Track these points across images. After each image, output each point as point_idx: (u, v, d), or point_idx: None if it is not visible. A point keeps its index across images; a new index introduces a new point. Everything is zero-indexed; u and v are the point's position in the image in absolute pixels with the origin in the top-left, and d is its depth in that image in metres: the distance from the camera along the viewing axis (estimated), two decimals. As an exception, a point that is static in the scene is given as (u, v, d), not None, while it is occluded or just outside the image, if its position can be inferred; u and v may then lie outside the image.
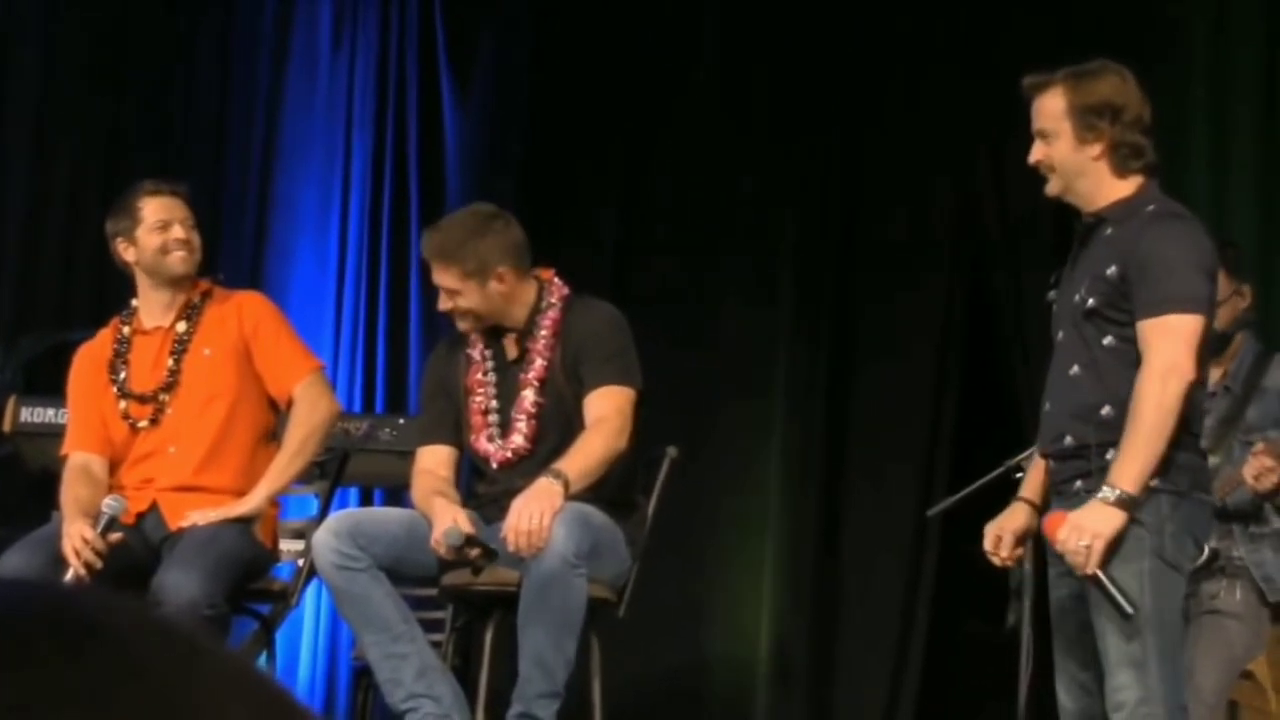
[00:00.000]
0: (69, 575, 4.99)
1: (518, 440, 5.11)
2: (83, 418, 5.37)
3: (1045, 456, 4.40)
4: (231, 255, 7.79)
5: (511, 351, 5.18)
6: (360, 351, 7.62)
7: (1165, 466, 4.12)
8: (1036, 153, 4.32)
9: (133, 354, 5.33)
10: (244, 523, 5.22)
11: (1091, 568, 4.08)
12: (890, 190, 7.18)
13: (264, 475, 5.30)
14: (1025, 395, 6.52)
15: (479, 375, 5.19)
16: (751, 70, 7.33)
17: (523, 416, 5.12)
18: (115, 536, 5.08)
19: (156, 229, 5.27)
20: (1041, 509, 4.40)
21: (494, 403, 5.16)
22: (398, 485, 6.26)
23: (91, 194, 7.61)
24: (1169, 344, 4.10)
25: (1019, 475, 4.74)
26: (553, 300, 5.18)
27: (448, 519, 4.88)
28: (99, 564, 5.02)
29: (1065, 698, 4.33)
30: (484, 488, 5.19)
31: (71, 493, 5.22)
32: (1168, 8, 6.88)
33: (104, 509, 5.10)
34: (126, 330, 5.35)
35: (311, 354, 5.49)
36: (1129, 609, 4.06)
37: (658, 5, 7.47)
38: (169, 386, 5.26)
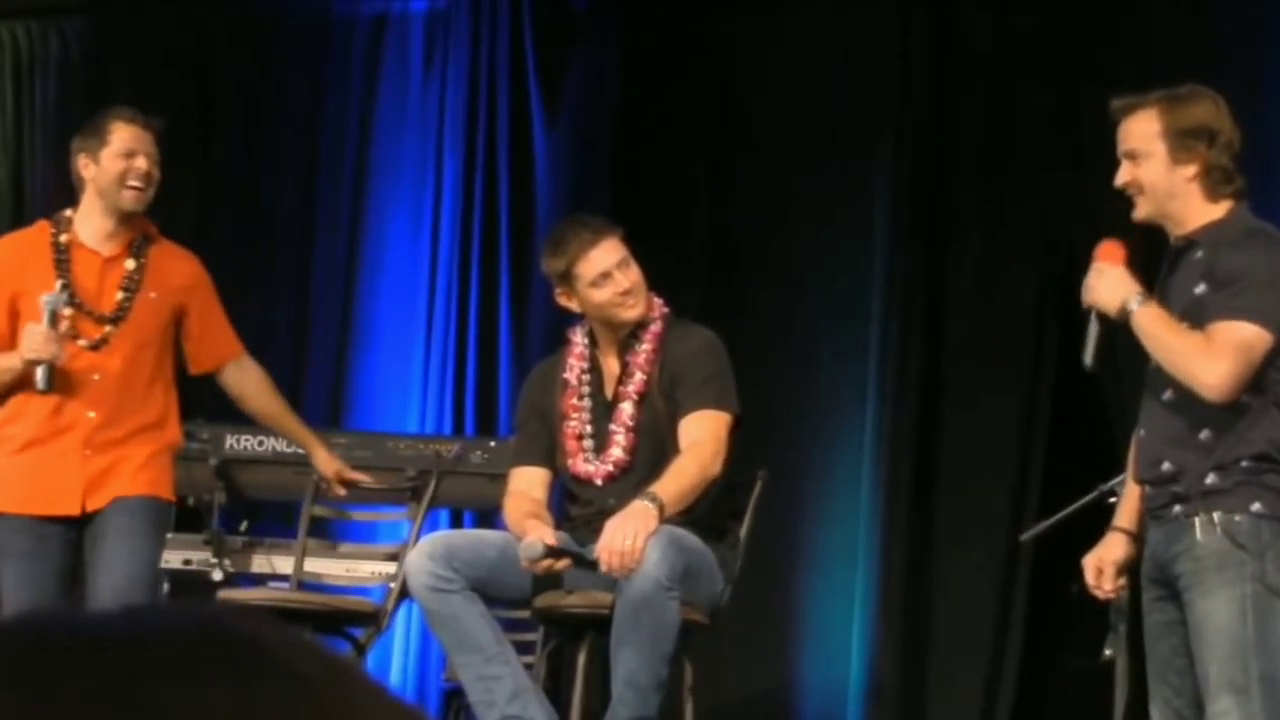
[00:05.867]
0: (39, 377, 5.04)
1: (616, 453, 5.13)
2: None
3: (1141, 483, 4.37)
4: (324, 275, 7.85)
5: (612, 366, 5.20)
6: (450, 374, 7.64)
7: (1267, 492, 4.10)
8: (1124, 174, 4.31)
9: (75, 266, 5.25)
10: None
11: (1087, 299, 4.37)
12: (981, 209, 7.15)
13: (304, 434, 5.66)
14: (1117, 418, 6.48)
15: (574, 400, 5.21)
16: (835, 93, 7.32)
17: (621, 430, 5.14)
18: (64, 326, 5.10)
19: (122, 155, 5.22)
20: (1138, 537, 4.38)
21: (589, 427, 5.18)
22: (489, 508, 6.28)
23: (181, 227, 7.63)
24: (1229, 348, 4.09)
25: (1112, 500, 4.71)
26: (654, 315, 5.22)
27: (533, 537, 4.90)
28: (61, 354, 5.07)
29: (1160, 724, 4.31)
30: (577, 510, 5.21)
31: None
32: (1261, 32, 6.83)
33: (44, 304, 5.10)
34: (64, 238, 5.26)
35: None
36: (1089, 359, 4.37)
37: (747, 28, 7.47)
38: (116, 320, 5.22)
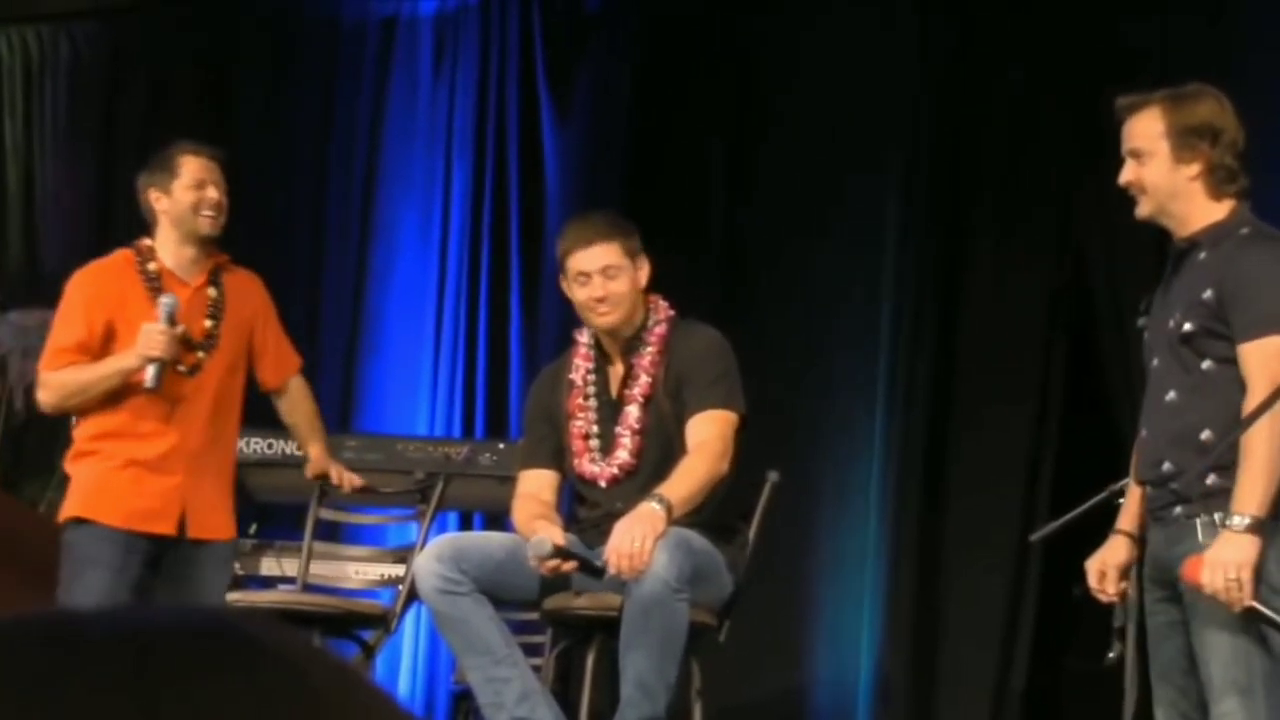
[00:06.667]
0: (150, 374, 5.16)
1: (623, 456, 5.13)
2: (89, 327, 5.36)
3: (1142, 484, 4.37)
4: (334, 277, 7.87)
5: (617, 368, 5.22)
6: (460, 376, 7.65)
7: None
8: (1128, 173, 4.30)
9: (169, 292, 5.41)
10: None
11: (1247, 600, 4.04)
12: (995, 213, 7.15)
13: (321, 451, 5.72)
14: (1128, 420, 6.48)
15: (580, 400, 5.22)
16: (851, 94, 7.32)
17: (627, 432, 5.14)
18: (179, 329, 5.26)
19: (193, 186, 5.41)
20: (1140, 539, 4.38)
21: (595, 428, 5.19)
22: (498, 510, 6.29)
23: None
24: (1271, 366, 4.08)
25: (1121, 501, 4.71)
26: (659, 318, 5.23)
27: (542, 535, 4.91)
28: (176, 352, 5.23)
29: (1166, 725, 4.31)
30: (585, 512, 5.22)
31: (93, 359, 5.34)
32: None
33: (162, 304, 5.25)
34: (152, 267, 5.41)
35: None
36: None
37: (761, 27, 7.48)
38: (207, 347, 5.39)
